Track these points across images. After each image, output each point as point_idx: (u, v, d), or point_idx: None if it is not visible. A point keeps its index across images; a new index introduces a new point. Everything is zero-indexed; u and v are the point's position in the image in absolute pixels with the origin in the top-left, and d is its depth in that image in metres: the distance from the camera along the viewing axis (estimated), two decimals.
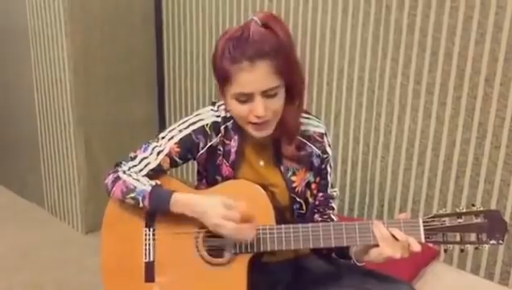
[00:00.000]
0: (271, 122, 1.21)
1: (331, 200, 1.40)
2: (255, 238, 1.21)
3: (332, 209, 1.41)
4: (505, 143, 1.67)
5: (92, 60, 2.38)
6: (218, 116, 1.30)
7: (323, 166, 1.35)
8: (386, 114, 1.92)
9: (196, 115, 1.32)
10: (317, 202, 1.38)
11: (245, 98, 1.17)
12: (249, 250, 1.23)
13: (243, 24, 1.18)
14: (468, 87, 1.71)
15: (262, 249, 1.22)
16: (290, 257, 1.38)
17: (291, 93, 1.21)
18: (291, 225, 1.22)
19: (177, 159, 1.33)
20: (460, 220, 1.13)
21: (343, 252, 1.30)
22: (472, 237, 1.13)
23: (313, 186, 1.35)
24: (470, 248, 1.14)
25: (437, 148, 1.82)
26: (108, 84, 2.46)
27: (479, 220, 1.13)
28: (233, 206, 1.18)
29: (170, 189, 1.27)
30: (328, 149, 1.35)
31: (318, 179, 1.36)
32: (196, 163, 1.37)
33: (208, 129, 1.30)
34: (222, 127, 1.30)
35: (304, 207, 1.34)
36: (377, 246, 1.16)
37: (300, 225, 1.21)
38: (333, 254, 1.36)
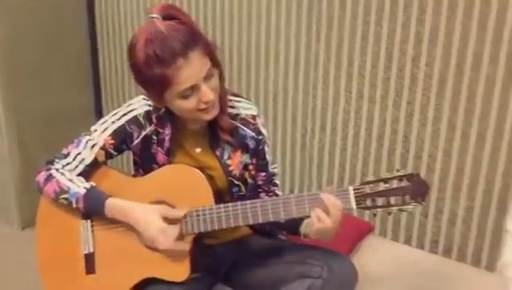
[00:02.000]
0: (216, 101, 1.24)
1: (273, 178, 1.44)
2: (196, 220, 1.24)
3: (276, 185, 1.45)
4: (431, 121, 1.77)
5: (21, 48, 2.27)
6: (150, 105, 1.30)
7: (260, 147, 1.38)
8: (322, 97, 1.97)
9: (128, 106, 1.31)
10: (261, 182, 1.42)
11: (190, 91, 1.18)
12: (190, 231, 1.25)
13: (146, 26, 1.15)
14: (397, 68, 1.79)
15: (203, 229, 1.24)
16: (233, 238, 1.40)
17: (214, 66, 1.22)
18: (230, 204, 1.24)
19: (112, 151, 1.32)
20: (386, 185, 1.21)
21: (293, 230, 1.34)
22: (398, 200, 1.21)
23: (251, 167, 1.38)
24: (395, 210, 1.21)
25: (370, 128, 1.90)
26: (39, 72, 2.36)
27: (403, 184, 1.20)
28: (172, 214, 1.22)
29: (105, 193, 1.26)
30: (263, 130, 1.38)
31: (255, 160, 1.38)
32: (131, 152, 1.36)
33: (141, 118, 1.29)
34: (154, 116, 1.29)
35: (244, 189, 1.37)
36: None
37: (239, 203, 1.24)
38: (284, 232, 1.40)
